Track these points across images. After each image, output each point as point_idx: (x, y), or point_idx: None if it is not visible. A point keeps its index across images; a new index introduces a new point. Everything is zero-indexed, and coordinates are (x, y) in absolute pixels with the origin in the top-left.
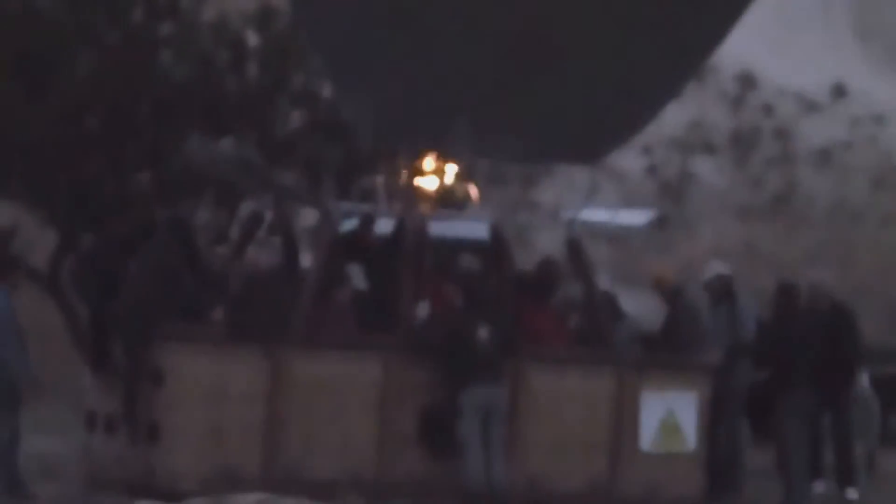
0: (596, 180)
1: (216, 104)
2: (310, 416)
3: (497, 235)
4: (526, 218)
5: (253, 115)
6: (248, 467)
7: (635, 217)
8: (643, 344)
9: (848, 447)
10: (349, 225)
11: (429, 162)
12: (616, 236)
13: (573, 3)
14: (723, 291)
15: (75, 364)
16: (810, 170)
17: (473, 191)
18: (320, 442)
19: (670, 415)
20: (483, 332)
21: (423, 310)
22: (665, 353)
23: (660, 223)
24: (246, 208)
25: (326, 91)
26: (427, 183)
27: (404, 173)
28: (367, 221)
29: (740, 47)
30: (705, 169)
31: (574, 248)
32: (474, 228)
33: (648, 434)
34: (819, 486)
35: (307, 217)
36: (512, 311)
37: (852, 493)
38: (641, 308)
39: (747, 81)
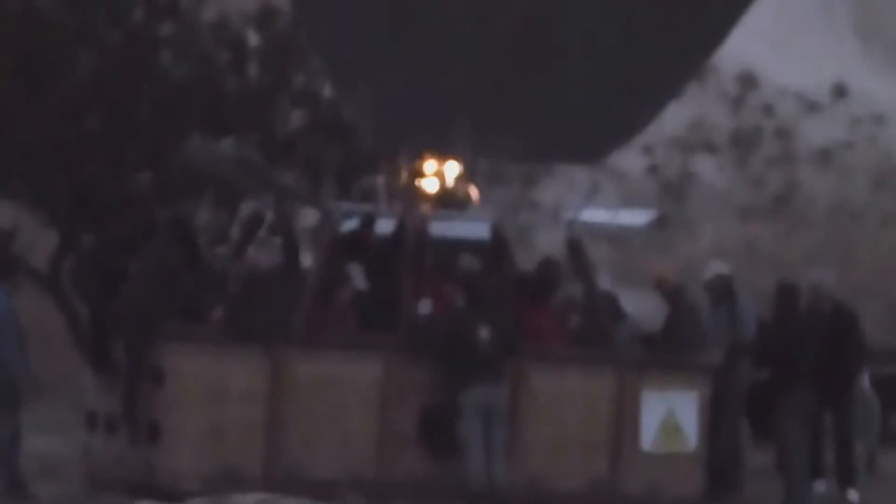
0: (596, 180)
1: (216, 104)
2: (310, 416)
3: (497, 235)
4: (526, 218)
5: (253, 115)
6: (248, 467)
7: (636, 217)
8: (644, 344)
9: (849, 448)
10: (350, 225)
11: (429, 162)
12: (616, 236)
13: (574, 2)
14: (723, 291)
15: (76, 364)
16: (811, 170)
17: (474, 191)
18: (321, 442)
19: (671, 415)
20: (484, 332)
21: (424, 307)
22: (666, 353)
23: (660, 223)
24: (246, 208)
25: (327, 91)
26: (427, 183)
27: (405, 173)
28: (368, 222)
29: (741, 47)
30: (706, 169)
31: (575, 248)
32: (475, 228)
33: (649, 434)
34: (820, 486)
35: (308, 217)
36: (512, 310)
37: (853, 494)
38: (642, 308)
39: (748, 81)
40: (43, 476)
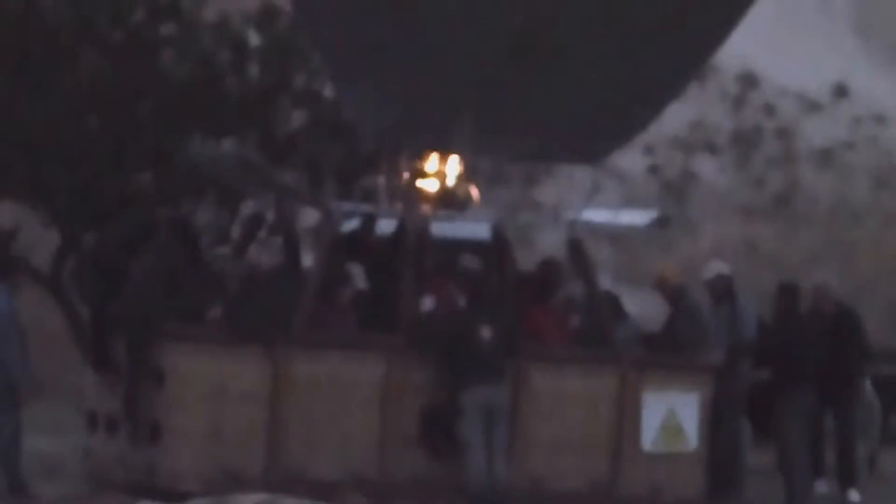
0: (597, 180)
1: (217, 104)
2: (311, 416)
3: (498, 235)
4: (527, 218)
5: (254, 115)
6: (249, 467)
7: (637, 217)
8: (645, 344)
9: (851, 448)
10: (350, 225)
11: (430, 162)
12: (617, 236)
13: (575, 2)
14: (723, 291)
15: (76, 364)
16: (812, 170)
17: (474, 191)
18: (322, 442)
19: (672, 415)
20: (485, 332)
21: (427, 303)
22: (666, 353)
23: (661, 223)
24: (247, 208)
25: (328, 91)
26: (428, 183)
27: (405, 173)
28: (369, 222)
29: (742, 47)
30: (707, 169)
31: (575, 248)
32: (475, 228)
33: (650, 434)
34: (820, 486)
35: (308, 217)
36: (513, 310)
37: (854, 495)
38: (643, 308)
39: (749, 81)
40: (43, 476)
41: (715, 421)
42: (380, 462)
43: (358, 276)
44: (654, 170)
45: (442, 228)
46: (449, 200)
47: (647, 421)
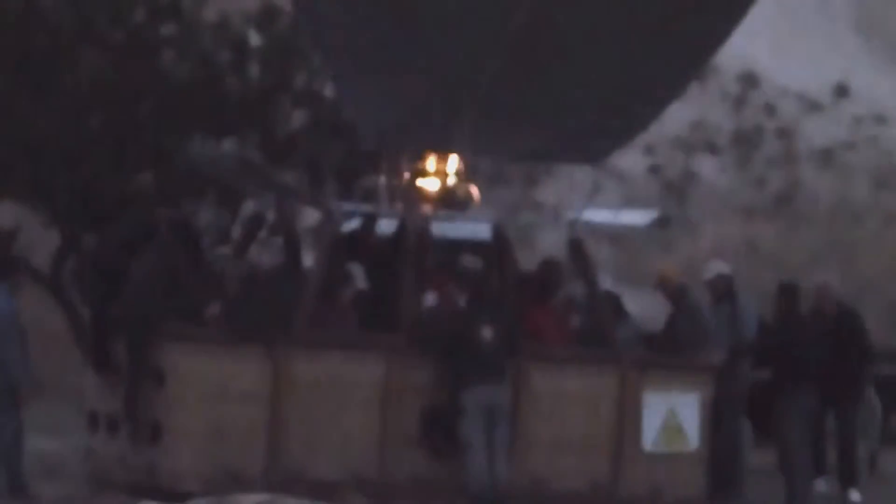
0: (598, 180)
1: (218, 104)
2: (311, 416)
3: (499, 235)
4: (528, 218)
5: (254, 115)
6: (249, 467)
7: (637, 217)
8: (646, 344)
9: (852, 448)
10: (351, 225)
11: (430, 162)
12: (618, 236)
13: (576, 2)
14: (723, 291)
15: (77, 364)
16: (812, 170)
17: (475, 191)
18: (322, 442)
19: (672, 415)
20: (486, 332)
21: (429, 299)
22: (667, 352)
23: (661, 223)
24: (248, 208)
25: (328, 91)
26: (429, 183)
27: (406, 173)
28: (369, 222)
29: (742, 47)
30: (707, 169)
31: (576, 248)
32: (476, 228)
33: (651, 434)
34: (819, 485)
35: (309, 217)
36: (514, 310)
37: (854, 495)
38: (644, 308)
39: (749, 81)
40: (44, 476)
41: (715, 421)
42: (380, 462)
43: (358, 275)
44: (654, 170)
45: (442, 228)
46: (449, 200)
47: (648, 421)
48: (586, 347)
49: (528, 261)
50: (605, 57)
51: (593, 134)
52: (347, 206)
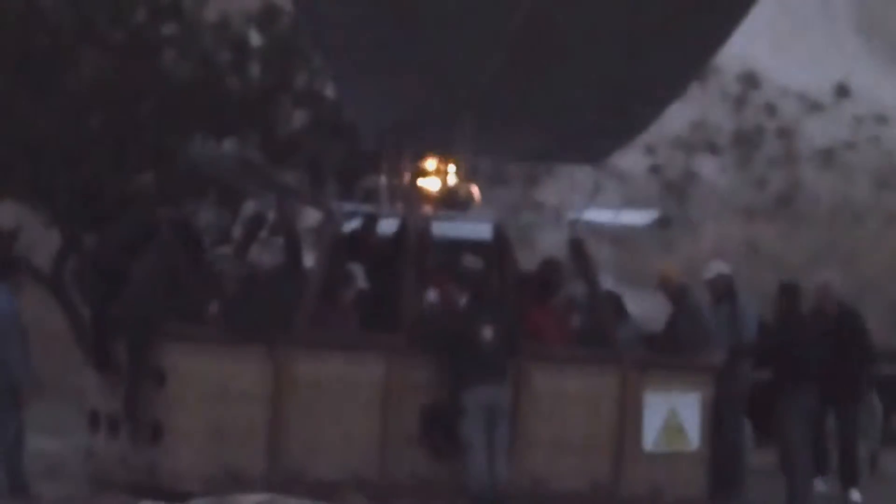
0: (598, 180)
1: (219, 104)
2: (312, 416)
3: (500, 235)
4: (529, 218)
5: (255, 115)
6: (250, 467)
7: (638, 217)
8: (646, 344)
9: (852, 448)
10: (352, 225)
11: (431, 162)
12: (619, 236)
13: (576, 2)
14: (724, 291)
15: (78, 364)
16: (813, 170)
17: (476, 191)
18: (323, 442)
19: (673, 415)
20: (486, 332)
21: (430, 296)
22: (668, 352)
23: (662, 223)
24: (248, 208)
25: (329, 91)
26: (430, 183)
27: (407, 173)
28: (370, 222)
29: (743, 47)
30: (708, 169)
31: (577, 248)
32: (477, 228)
33: (651, 434)
34: (819, 485)
35: (310, 217)
36: (515, 310)
37: (855, 495)
38: (644, 308)
39: (750, 81)
40: (45, 476)
41: (716, 421)
42: (380, 462)
43: (358, 276)
44: (655, 170)
45: (443, 228)
46: (450, 200)
47: (649, 421)
48: (587, 347)
49: (528, 261)
50: (606, 57)
51: (594, 134)
52: (348, 207)
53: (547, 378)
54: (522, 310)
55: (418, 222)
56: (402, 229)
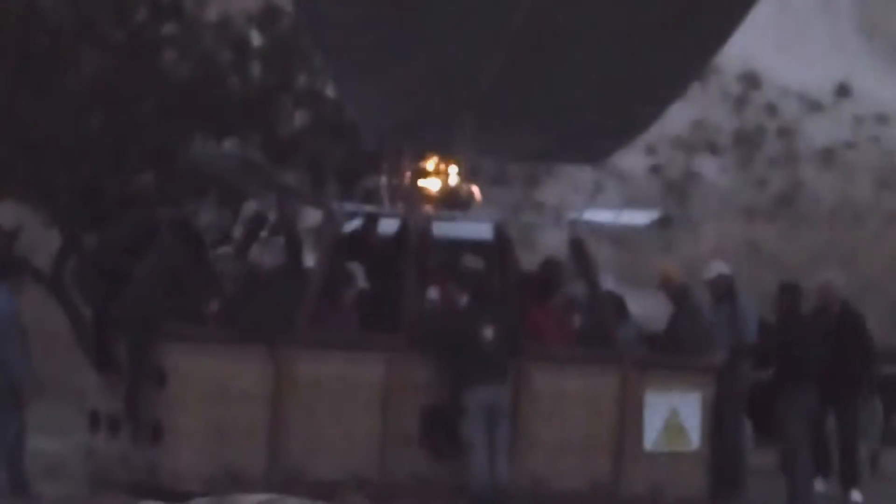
0: (599, 180)
1: (219, 104)
2: (313, 416)
3: (500, 235)
4: (530, 218)
5: (256, 115)
6: (250, 467)
7: (639, 217)
8: (648, 344)
9: (853, 449)
10: (353, 225)
11: (432, 162)
12: (619, 236)
13: (577, 2)
14: (724, 291)
15: (78, 364)
16: (814, 169)
17: (476, 191)
18: (323, 442)
19: (674, 415)
20: (487, 332)
21: (432, 293)
22: (669, 352)
23: (663, 223)
24: (249, 208)
25: (330, 91)
26: (430, 183)
27: (408, 173)
28: (371, 222)
29: (744, 47)
30: (709, 169)
31: (577, 248)
32: (478, 229)
33: (652, 434)
34: (818, 485)
35: (310, 217)
36: (516, 310)
37: (856, 496)
38: (645, 308)
39: (751, 81)
40: (46, 476)
41: (716, 421)
42: (381, 462)
43: (359, 276)
44: (655, 170)
45: (444, 228)
46: (451, 201)
47: (650, 421)
48: (587, 347)
49: (529, 261)
50: (606, 57)
51: (594, 134)
52: (349, 207)
53: (547, 378)
54: (523, 310)
55: (419, 222)
56: (403, 229)
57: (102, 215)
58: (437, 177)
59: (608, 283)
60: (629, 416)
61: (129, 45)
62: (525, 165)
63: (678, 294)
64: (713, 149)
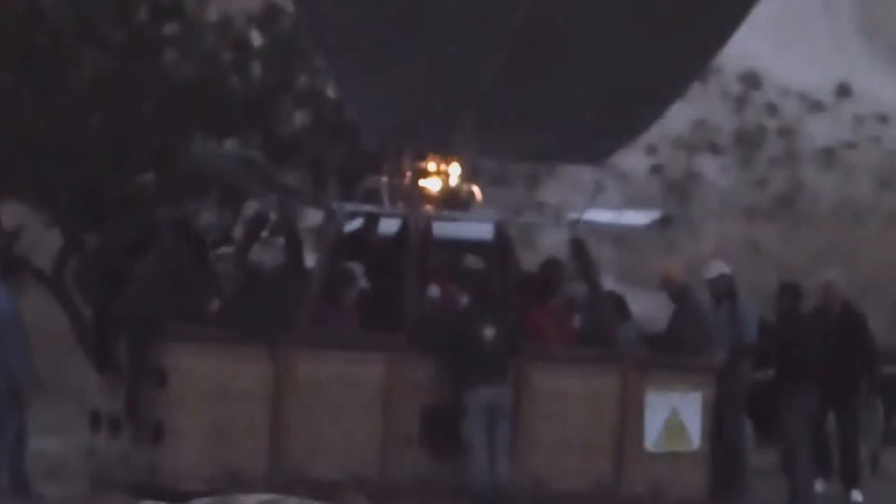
0: (600, 180)
1: (220, 104)
2: (313, 416)
3: (501, 235)
4: (530, 218)
5: (257, 115)
6: (251, 467)
7: (639, 217)
8: (648, 344)
9: (854, 449)
10: (353, 225)
11: (433, 162)
12: (620, 236)
13: (578, 2)
14: (724, 291)
15: (79, 364)
16: (815, 169)
17: (477, 191)
18: (324, 442)
19: (675, 415)
20: (488, 332)
21: (433, 291)
22: (670, 352)
23: (664, 223)
24: (250, 208)
25: (330, 91)
26: (431, 183)
27: (408, 174)
28: (371, 222)
29: (744, 47)
30: (709, 169)
31: (578, 249)
32: (478, 229)
33: (652, 434)
34: (819, 486)
35: (311, 217)
36: (516, 310)
37: (857, 496)
38: (646, 308)
39: (751, 81)
40: (46, 476)
41: (716, 421)
42: (381, 462)
43: (359, 276)
44: (656, 170)
45: (444, 229)
46: (451, 201)
47: (650, 421)
48: (588, 347)
49: (529, 261)
50: (607, 57)
51: (595, 134)
52: (349, 207)
53: (548, 378)
54: (523, 310)
55: (420, 222)
56: (404, 229)
57: (103, 215)
58: (438, 177)
59: (609, 283)
60: (630, 416)
61: (129, 45)
62: (525, 165)
63: (679, 294)
64: (714, 149)
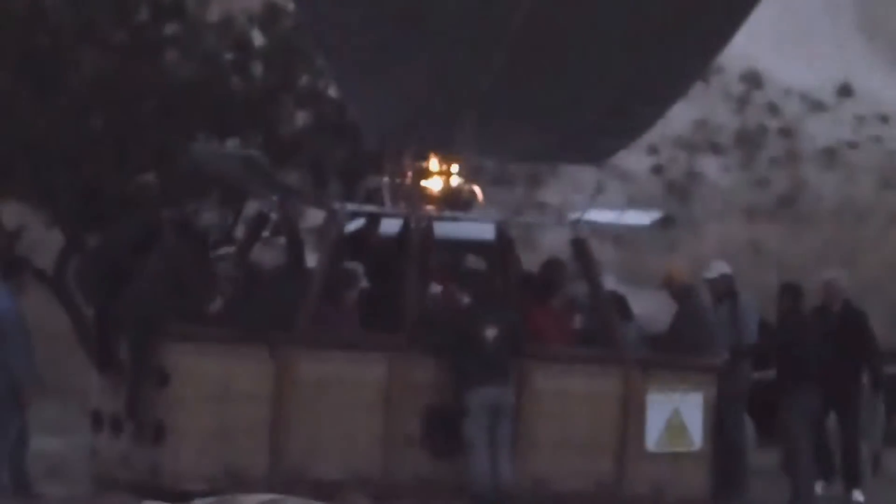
0: (601, 180)
1: (221, 104)
2: (315, 416)
3: (502, 236)
4: (532, 218)
5: (258, 115)
6: (252, 467)
7: (641, 217)
8: (650, 344)
9: (855, 449)
10: (354, 225)
11: (434, 162)
12: (621, 236)
13: (579, 2)
14: (725, 291)
15: (81, 364)
16: (816, 169)
17: (478, 191)
18: (325, 442)
19: (676, 415)
20: (490, 332)
21: (434, 289)
22: (672, 352)
23: (665, 223)
24: (251, 209)
25: (332, 91)
26: (432, 183)
27: (409, 174)
28: (373, 222)
29: (746, 47)
30: (711, 168)
31: (579, 249)
32: (479, 229)
33: (654, 434)
34: (819, 487)
35: (312, 217)
36: (518, 310)
37: (858, 496)
38: (647, 308)
39: (753, 81)
40: (48, 476)
41: (717, 421)
42: (383, 462)
43: (360, 275)
44: (657, 170)
45: (445, 229)
46: (452, 201)
47: (652, 421)
48: (590, 348)
49: (531, 261)
50: (608, 56)
51: (596, 134)
52: (350, 207)
53: (549, 378)
54: (524, 310)
55: (421, 222)
56: (405, 229)
57: (104, 215)
58: (439, 177)
59: (610, 283)
60: (631, 416)
61: (130, 45)
62: (526, 165)
63: (681, 293)
64: (715, 149)
